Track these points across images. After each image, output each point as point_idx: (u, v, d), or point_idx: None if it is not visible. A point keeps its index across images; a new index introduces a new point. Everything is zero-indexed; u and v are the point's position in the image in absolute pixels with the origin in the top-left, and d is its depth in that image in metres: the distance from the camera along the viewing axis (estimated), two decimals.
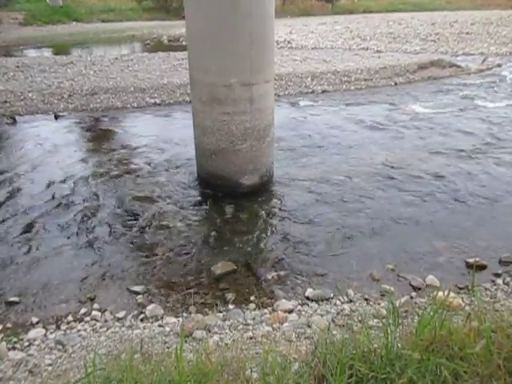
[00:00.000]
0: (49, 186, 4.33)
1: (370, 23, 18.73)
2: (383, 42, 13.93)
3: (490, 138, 5.58)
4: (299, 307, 2.60)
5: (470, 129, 5.96)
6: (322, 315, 2.49)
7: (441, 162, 4.84)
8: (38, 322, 2.51)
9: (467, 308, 2.30)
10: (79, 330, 2.41)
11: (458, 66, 10.06)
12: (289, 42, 14.08)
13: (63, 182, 4.42)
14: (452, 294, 2.35)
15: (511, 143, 5.35)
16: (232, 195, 4.02)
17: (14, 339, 2.34)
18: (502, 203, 3.90)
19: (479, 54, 11.82)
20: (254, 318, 2.48)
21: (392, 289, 2.73)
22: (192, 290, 2.75)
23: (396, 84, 8.87)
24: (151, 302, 2.69)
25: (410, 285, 2.82)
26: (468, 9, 24.88)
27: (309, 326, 2.34)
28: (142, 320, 2.52)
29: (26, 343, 2.30)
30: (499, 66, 10.52)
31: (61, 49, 14.18)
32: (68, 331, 2.41)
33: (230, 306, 2.63)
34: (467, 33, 15.09)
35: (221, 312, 2.57)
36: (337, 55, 11.18)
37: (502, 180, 4.34)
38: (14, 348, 2.26)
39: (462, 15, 20.71)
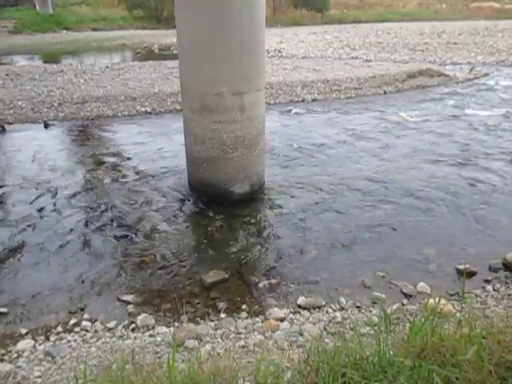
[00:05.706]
0: (38, 195, 4.28)
1: (360, 33, 18.95)
2: (372, 51, 14.09)
3: (478, 145, 5.65)
4: (291, 315, 2.60)
5: (459, 137, 6.04)
6: (314, 323, 2.49)
7: (430, 170, 4.89)
8: (26, 333, 2.48)
9: (458, 314, 2.32)
10: (69, 341, 2.38)
11: (446, 75, 10.21)
12: (279, 51, 14.18)
13: (52, 191, 4.38)
14: (443, 301, 2.37)
15: (499, 151, 5.42)
16: (223, 203, 4.02)
17: (2, 351, 2.30)
18: (492, 210, 3.94)
19: (467, 64, 12.01)
20: (245, 327, 2.47)
21: (383, 296, 2.73)
22: (183, 299, 2.73)
23: (385, 93, 8.96)
24: (142, 311, 2.67)
25: (402, 292, 2.84)
26: (455, 19, 25.27)
27: (301, 335, 2.34)
28: (133, 330, 2.49)
29: (15, 355, 2.27)
30: (486, 75, 10.69)
31: (51, 57, 14.12)
32: (57, 342, 2.38)
33: (222, 315, 2.62)
34: (455, 43, 15.32)
35: (212, 321, 2.55)
36: (327, 64, 11.26)
37: (491, 187, 4.39)
38: (2, 360, 2.22)
39: (450, 25, 21.04)
